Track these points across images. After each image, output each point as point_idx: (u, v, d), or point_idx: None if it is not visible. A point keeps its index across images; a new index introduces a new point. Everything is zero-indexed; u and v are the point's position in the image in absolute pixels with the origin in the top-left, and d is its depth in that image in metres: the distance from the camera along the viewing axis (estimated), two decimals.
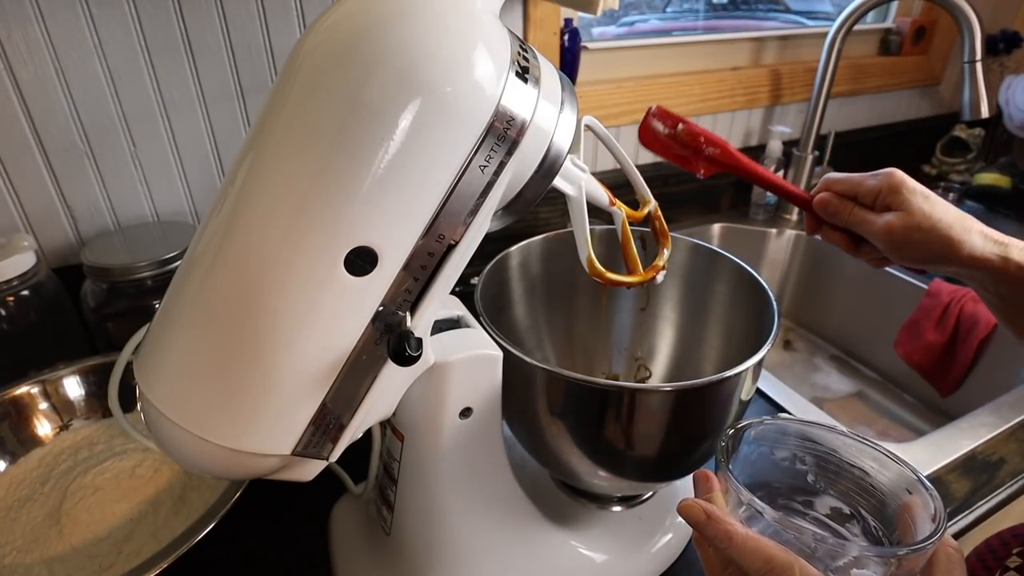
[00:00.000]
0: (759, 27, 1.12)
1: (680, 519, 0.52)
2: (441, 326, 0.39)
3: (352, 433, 0.32)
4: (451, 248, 0.30)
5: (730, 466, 0.32)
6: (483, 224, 0.31)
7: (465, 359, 0.36)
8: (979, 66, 0.82)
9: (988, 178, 1.15)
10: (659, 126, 0.46)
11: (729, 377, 0.39)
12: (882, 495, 0.33)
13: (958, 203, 1.14)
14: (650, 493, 0.53)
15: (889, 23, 1.19)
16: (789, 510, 0.35)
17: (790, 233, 1.05)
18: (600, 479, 0.46)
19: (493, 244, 0.45)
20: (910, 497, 0.31)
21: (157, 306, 0.46)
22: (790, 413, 0.64)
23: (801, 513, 0.35)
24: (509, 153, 0.29)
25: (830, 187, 0.48)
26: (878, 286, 0.95)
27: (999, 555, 0.43)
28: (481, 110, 0.28)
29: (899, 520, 0.32)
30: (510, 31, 0.30)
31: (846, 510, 0.34)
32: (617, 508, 0.52)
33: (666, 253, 0.45)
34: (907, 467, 0.32)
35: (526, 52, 0.30)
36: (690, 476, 0.53)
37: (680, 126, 0.47)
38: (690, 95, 0.97)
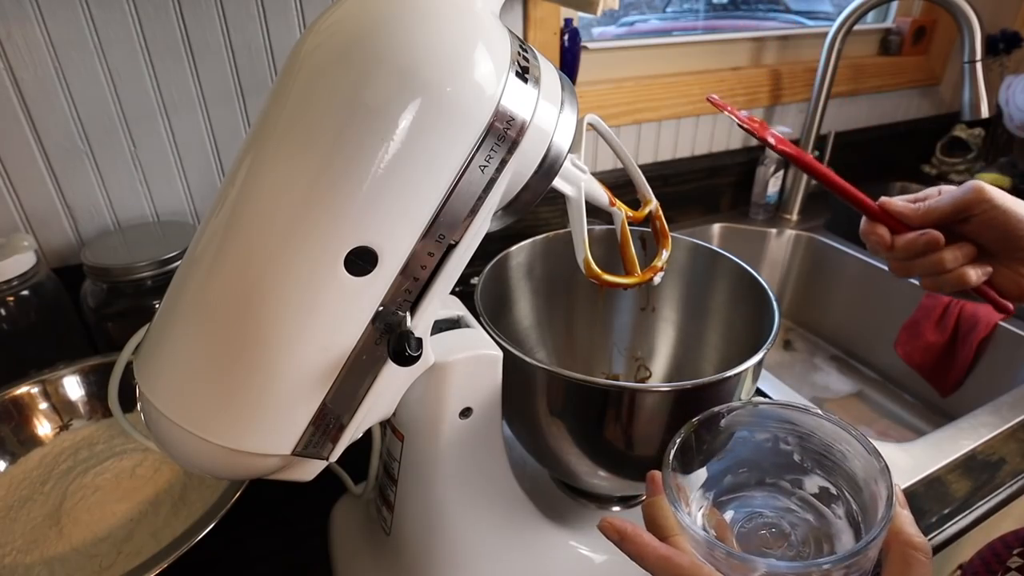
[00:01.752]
0: (759, 27, 1.12)
1: None
2: (441, 326, 0.39)
3: (352, 433, 0.32)
4: (451, 248, 0.30)
5: (677, 465, 0.31)
6: (483, 224, 0.31)
7: (465, 359, 0.36)
8: (979, 66, 0.82)
9: (988, 178, 1.15)
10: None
11: (729, 377, 0.39)
12: (856, 479, 0.32)
13: None
14: None
15: (889, 23, 1.19)
16: (777, 488, 0.34)
17: (790, 233, 1.05)
18: (600, 479, 0.46)
19: (493, 244, 0.45)
20: (876, 487, 0.30)
21: (157, 306, 0.46)
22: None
23: (788, 492, 0.34)
24: (509, 153, 0.29)
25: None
26: (878, 286, 0.95)
27: (1001, 557, 0.43)
28: (481, 110, 0.28)
29: (871, 506, 0.30)
30: (510, 31, 0.30)
31: (833, 490, 0.33)
32: (617, 508, 0.52)
33: (664, 254, 0.45)
34: (875, 457, 0.31)
35: (526, 52, 0.30)
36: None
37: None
38: (690, 95, 0.97)
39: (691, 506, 0.32)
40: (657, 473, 0.33)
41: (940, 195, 0.41)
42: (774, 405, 0.35)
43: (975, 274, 0.41)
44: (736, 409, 0.34)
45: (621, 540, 0.30)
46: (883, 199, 0.42)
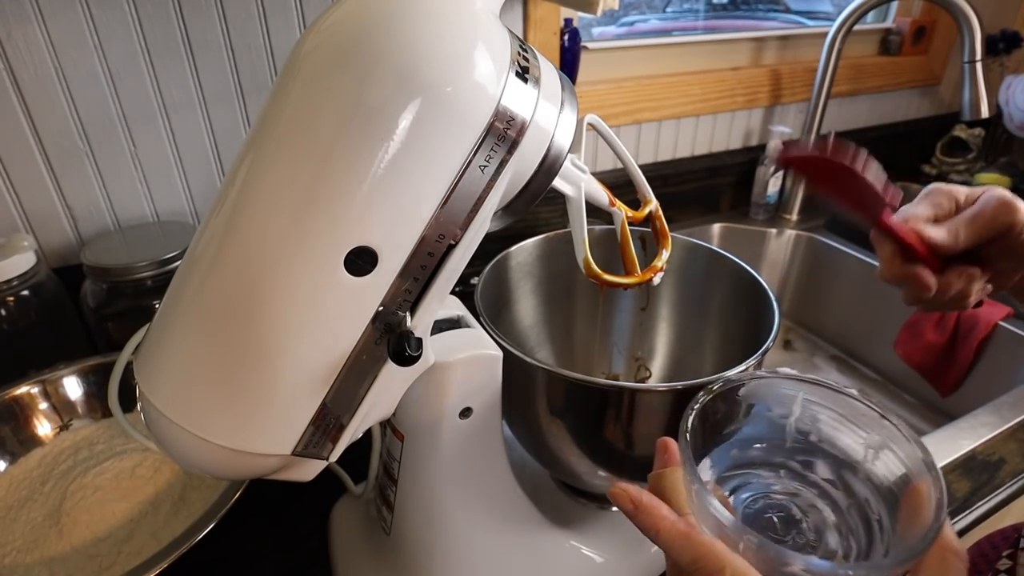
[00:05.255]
0: (759, 27, 1.12)
1: None
2: (441, 326, 0.39)
3: (352, 433, 0.32)
4: (451, 248, 0.30)
5: (696, 435, 0.28)
6: (483, 224, 0.31)
7: (465, 359, 0.36)
8: (979, 66, 0.82)
9: (988, 178, 1.15)
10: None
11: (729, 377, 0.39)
12: (879, 470, 0.30)
13: None
14: None
15: (889, 23, 1.19)
16: (788, 469, 0.32)
17: (790, 233, 1.05)
18: (600, 479, 0.46)
19: (493, 244, 0.45)
20: (918, 483, 0.27)
21: (157, 306, 0.46)
22: None
23: (800, 476, 0.32)
24: (509, 153, 0.29)
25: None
26: (878, 286, 0.95)
27: (989, 558, 0.43)
28: (481, 110, 0.28)
29: (904, 505, 0.28)
30: (510, 31, 0.30)
31: (849, 477, 0.31)
32: (617, 508, 0.52)
33: (665, 254, 0.45)
34: (918, 447, 0.27)
35: (526, 52, 0.30)
36: None
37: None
38: (690, 95, 0.97)
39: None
40: (672, 441, 0.29)
41: (959, 208, 0.38)
42: (801, 380, 0.31)
43: (975, 297, 0.39)
44: (758, 379, 0.31)
45: (635, 511, 0.27)
46: (915, 228, 0.37)
